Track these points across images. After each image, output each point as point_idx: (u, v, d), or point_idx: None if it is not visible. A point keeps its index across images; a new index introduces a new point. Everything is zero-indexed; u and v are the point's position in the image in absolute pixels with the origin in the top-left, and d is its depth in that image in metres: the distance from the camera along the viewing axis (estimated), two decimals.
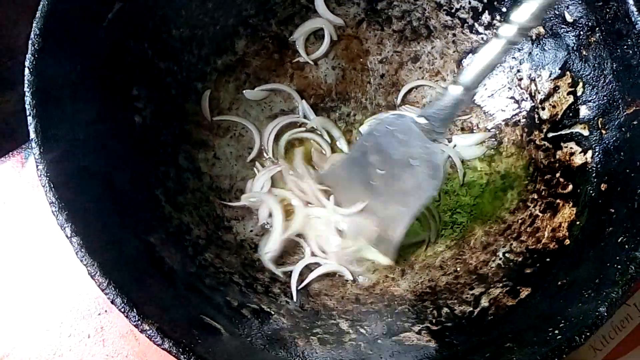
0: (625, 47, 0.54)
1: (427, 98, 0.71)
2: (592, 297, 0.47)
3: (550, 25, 0.61)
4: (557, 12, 0.60)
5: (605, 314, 0.44)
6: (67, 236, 0.44)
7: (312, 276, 0.60)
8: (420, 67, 0.71)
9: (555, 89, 0.62)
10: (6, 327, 0.63)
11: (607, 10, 0.55)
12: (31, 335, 0.63)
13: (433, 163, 0.57)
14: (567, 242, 0.55)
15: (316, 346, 0.52)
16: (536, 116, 0.64)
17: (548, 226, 0.58)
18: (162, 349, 0.42)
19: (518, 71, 0.66)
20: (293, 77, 0.71)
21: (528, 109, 0.65)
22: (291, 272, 0.60)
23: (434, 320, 0.55)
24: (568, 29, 0.60)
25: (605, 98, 0.57)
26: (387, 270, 0.62)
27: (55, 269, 0.66)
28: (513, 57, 0.66)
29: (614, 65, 0.56)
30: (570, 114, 0.60)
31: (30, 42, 0.48)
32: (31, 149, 0.46)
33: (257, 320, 0.53)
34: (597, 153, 0.57)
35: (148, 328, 0.42)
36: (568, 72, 0.61)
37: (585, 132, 0.58)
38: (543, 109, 0.63)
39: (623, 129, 0.54)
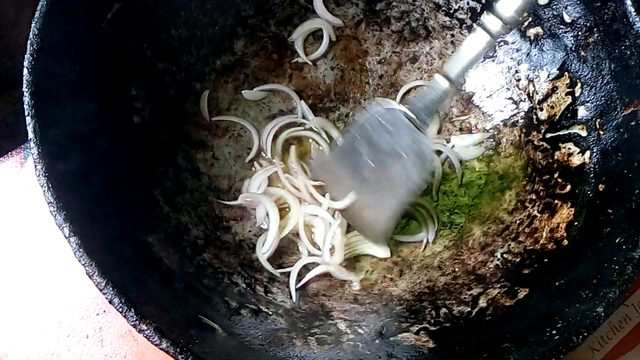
0: (623, 47, 0.54)
1: None
2: (589, 298, 0.47)
3: (549, 25, 0.61)
4: (555, 13, 0.60)
5: (603, 314, 0.44)
6: (65, 236, 0.44)
7: (309, 276, 0.60)
8: (418, 68, 0.71)
9: (554, 89, 0.62)
10: (5, 328, 0.63)
11: (605, 11, 0.55)
12: (30, 336, 0.63)
13: (421, 153, 0.58)
14: (565, 242, 0.55)
15: (314, 346, 0.52)
16: (534, 117, 0.64)
17: (546, 227, 0.58)
18: (160, 349, 0.42)
19: (516, 72, 0.66)
20: (292, 78, 0.71)
21: (526, 110, 0.65)
22: (289, 272, 0.60)
23: (432, 321, 0.55)
24: (566, 30, 0.60)
25: (603, 99, 0.57)
26: (386, 271, 0.62)
27: (54, 269, 0.66)
28: (511, 58, 0.66)
29: (612, 66, 0.56)
30: (569, 115, 0.60)
31: (29, 42, 0.48)
32: (30, 148, 0.46)
33: (255, 321, 0.53)
34: (595, 154, 0.57)
35: (146, 328, 0.42)
36: (566, 73, 0.61)
37: (584, 133, 0.58)
38: (541, 109, 0.63)
39: (621, 129, 0.54)
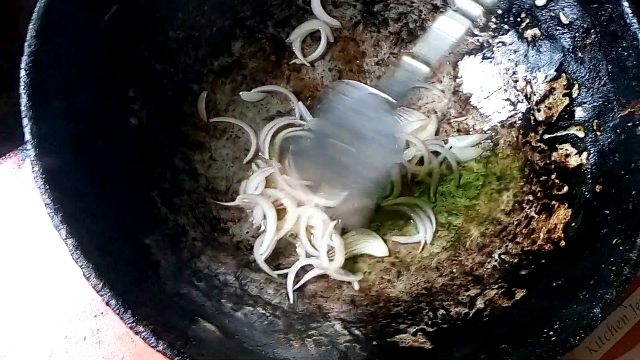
0: (620, 49, 0.54)
1: (423, 99, 0.71)
2: (586, 299, 0.47)
3: (546, 27, 0.61)
4: (552, 14, 0.60)
5: (600, 315, 0.44)
6: (62, 238, 0.44)
7: (306, 277, 0.60)
8: None
9: (551, 90, 0.62)
10: (2, 329, 0.63)
11: (602, 12, 0.55)
12: (27, 337, 0.63)
13: (390, 135, 0.57)
14: (563, 243, 0.55)
15: (311, 348, 0.52)
16: (532, 118, 0.64)
17: (543, 227, 0.58)
18: (157, 350, 0.42)
19: (514, 73, 0.66)
20: (289, 79, 0.71)
21: (524, 111, 0.65)
22: (287, 273, 0.60)
23: (429, 322, 0.55)
24: (563, 31, 0.60)
25: (600, 100, 0.57)
26: (383, 272, 0.62)
27: (52, 270, 0.65)
28: (509, 59, 0.66)
29: (609, 67, 0.56)
30: (566, 116, 0.60)
31: (26, 43, 0.48)
32: (27, 150, 0.46)
33: (252, 322, 0.53)
34: (592, 155, 0.57)
35: (143, 330, 0.42)
36: (563, 74, 0.61)
37: (581, 134, 0.58)
38: (539, 110, 0.63)
39: (618, 130, 0.54)
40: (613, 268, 0.47)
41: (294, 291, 0.59)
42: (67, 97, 0.50)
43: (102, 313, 0.64)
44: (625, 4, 0.53)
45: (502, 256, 0.59)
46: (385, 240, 0.63)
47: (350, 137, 0.57)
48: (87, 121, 0.52)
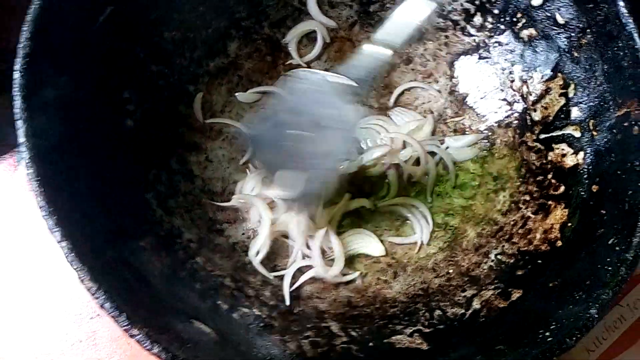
0: (616, 48, 0.54)
1: (420, 99, 0.71)
2: (583, 299, 0.47)
3: (542, 27, 0.61)
4: (548, 14, 0.60)
5: (596, 315, 0.44)
6: (56, 240, 0.44)
7: (303, 279, 0.59)
8: (412, 69, 0.71)
9: (547, 90, 0.62)
10: None
11: (598, 12, 0.55)
12: (23, 339, 0.63)
13: (348, 123, 0.56)
14: (559, 243, 0.55)
15: (307, 349, 0.51)
16: (528, 118, 0.64)
17: (540, 228, 0.58)
18: (152, 353, 0.42)
19: (510, 73, 0.66)
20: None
21: (520, 111, 0.65)
22: (283, 275, 0.60)
23: (426, 323, 0.55)
24: (559, 31, 0.60)
25: (596, 100, 0.57)
26: (380, 273, 0.62)
27: (48, 272, 0.65)
28: (505, 59, 0.66)
29: (605, 67, 0.56)
30: (562, 116, 0.60)
31: (20, 45, 0.47)
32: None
33: (247, 324, 0.53)
34: (588, 154, 0.57)
35: (137, 333, 0.42)
36: (560, 74, 0.61)
37: (577, 134, 0.58)
38: (535, 110, 0.63)
39: (614, 130, 0.54)
40: (609, 268, 0.47)
41: (290, 293, 0.59)
42: (61, 99, 0.50)
43: (98, 315, 0.63)
44: (621, 3, 0.53)
45: (499, 256, 0.59)
46: (381, 241, 0.63)
47: (307, 122, 0.56)
48: (82, 123, 0.52)
